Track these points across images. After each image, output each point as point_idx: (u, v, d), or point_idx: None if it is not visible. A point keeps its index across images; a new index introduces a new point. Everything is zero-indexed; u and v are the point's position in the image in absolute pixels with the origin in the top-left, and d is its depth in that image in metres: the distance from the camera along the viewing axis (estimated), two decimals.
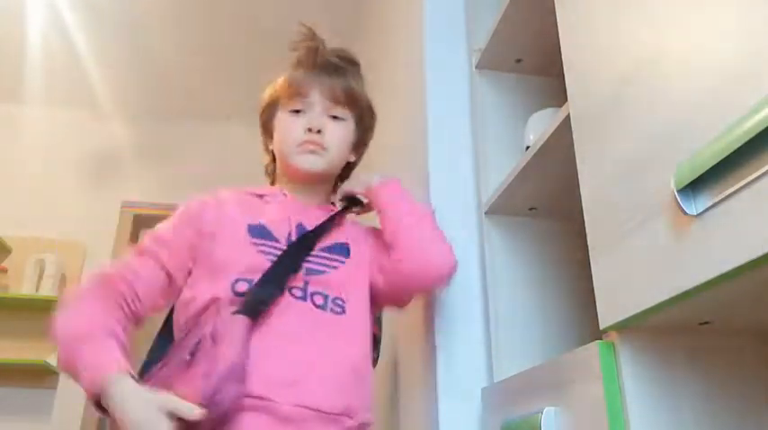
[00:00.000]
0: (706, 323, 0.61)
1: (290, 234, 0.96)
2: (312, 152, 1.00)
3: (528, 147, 1.02)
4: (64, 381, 2.84)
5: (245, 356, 0.80)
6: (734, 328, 0.63)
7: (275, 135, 1.06)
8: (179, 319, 0.92)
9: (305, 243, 0.96)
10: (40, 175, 3.18)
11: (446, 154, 1.23)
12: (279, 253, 0.93)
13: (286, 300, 0.89)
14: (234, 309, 0.84)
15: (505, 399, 0.88)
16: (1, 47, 2.86)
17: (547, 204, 1.10)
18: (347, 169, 1.12)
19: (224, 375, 0.76)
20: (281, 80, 1.06)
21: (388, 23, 1.83)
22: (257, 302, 0.86)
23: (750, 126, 0.43)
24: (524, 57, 1.21)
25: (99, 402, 0.78)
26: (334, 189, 1.11)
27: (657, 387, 0.60)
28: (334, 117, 1.03)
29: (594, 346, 0.64)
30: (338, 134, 1.03)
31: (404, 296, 1.03)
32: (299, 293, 0.91)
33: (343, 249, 1.00)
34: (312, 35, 1.07)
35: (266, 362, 0.83)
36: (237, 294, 0.88)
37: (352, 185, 1.09)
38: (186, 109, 3.35)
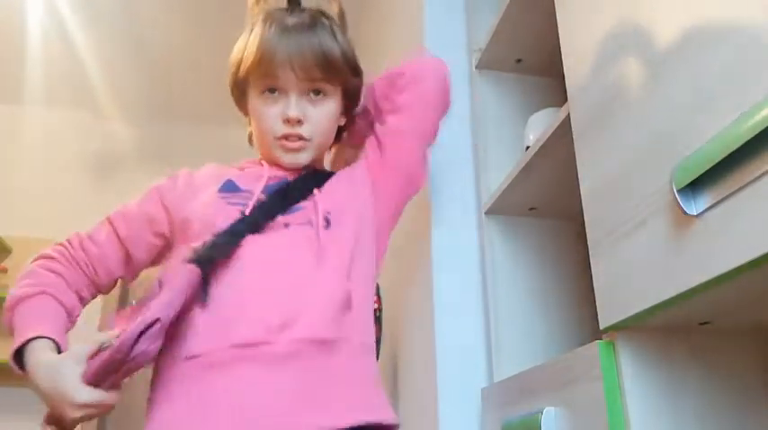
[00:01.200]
0: (706, 323, 0.61)
1: (267, 185, 0.89)
2: (295, 150, 0.90)
3: (528, 147, 1.02)
4: None
5: (171, 311, 0.72)
6: (734, 328, 0.63)
7: (251, 120, 0.95)
8: None
9: (284, 195, 0.88)
10: (40, 175, 3.19)
11: (446, 154, 1.23)
12: (250, 202, 0.86)
13: (266, 233, 0.83)
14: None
15: (505, 399, 0.88)
16: (1, 47, 2.86)
17: (547, 204, 1.10)
18: (339, 130, 1.02)
19: (137, 328, 0.69)
20: (247, 46, 0.91)
21: (388, 23, 1.83)
22: (211, 250, 0.78)
23: (750, 126, 0.43)
24: (524, 57, 1.21)
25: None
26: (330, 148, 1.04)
27: (657, 387, 0.60)
28: (315, 92, 0.90)
29: (594, 346, 0.64)
30: (321, 118, 0.91)
31: (421, 122, 0.99)
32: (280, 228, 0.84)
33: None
34: None
35: (255, 304, 0.77)
36: None
37: None
38: (187, 110, 3.35)
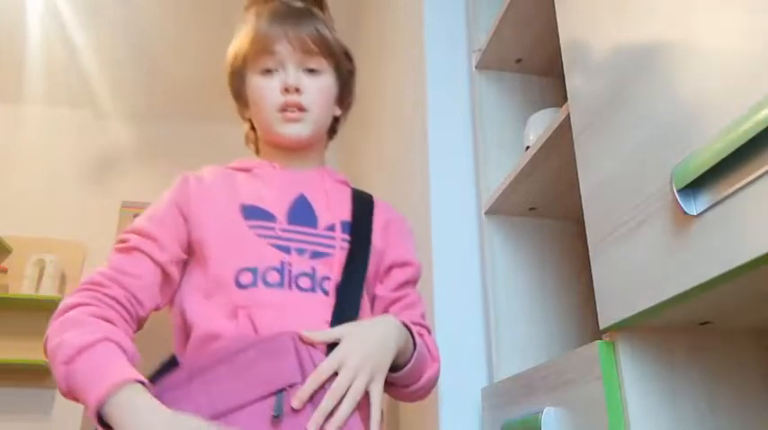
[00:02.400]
0: (706, 323, 0.61)
1: (289, 208, 0.89)
2: (294, 121, 0.92)
3: (528, 147, 1.02)
4: None
5: None
6: (734, 328, 0.63)
7: (251, 103, 0.96)
8: (183, 337, 0.82)
9: (361, 234, 0.90)
10: (40, 175, 3.19)
11: (446, 154, 1.23)
12: (280, 233, 0.85)
13: (296, 296, 0.81)
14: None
15: (505, 399, 0.88)
16: (1, 47, 2.86)
17: (547, 204, 1.10)
18: (335, 123, 1.04)
19: None
20: (242, 37, 0.95)
21: (388, 24, 1.83)
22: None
23: (750, 126, 0.43)
24: (524, 57, 1.21)
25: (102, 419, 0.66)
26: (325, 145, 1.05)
27: (657, 387, 0.60)
28: (310, 71, 0.94)
29: (594, 346, 0.64)
30: (318, 90, 0.93)
31: None
32: (308, 284, 0.83)
33: (347, 227, 0.91)
34: None
35: None
36: (241, 286, 0.80)
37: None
38: (186, 109, 3.35)
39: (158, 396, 0.69)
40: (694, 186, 0.50)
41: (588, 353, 0.65)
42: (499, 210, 1.11)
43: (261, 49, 0.92)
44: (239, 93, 0.98)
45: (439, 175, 1.21)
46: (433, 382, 0.90)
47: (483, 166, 1.16)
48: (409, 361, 0.83)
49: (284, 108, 0.91)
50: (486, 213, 1.13)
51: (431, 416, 1.05)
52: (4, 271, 2.92)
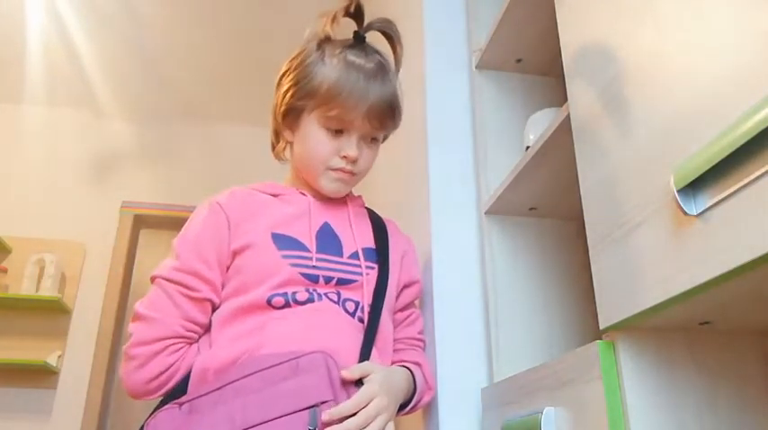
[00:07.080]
0: (706, 323, 0.61)
1: (315, 236, 0.93)
2: (341, 181, 0.96)
3: (528, 147, 1.02)
4: (64, 381, 2.84)
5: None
6: (734, 328, 0.63)
7: (299, 140, 0.97)
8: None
9: (384, 261, 0.96)
10: (40, 175, 3.19)
11: (446, 154, 1.23)
12: (311, 262, 0.89)
13: (326, 305, 0.88)
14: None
15: (505, 399, 0.88)
16: (1, 47, 2.86)
17: (547, 204, 1.10)
18: None
19: None
20: (325, 81, 0.91)
21: None
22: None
23: (750, 126, 0.43)
24: (524, 57, 1.21)
25: None
26: None
27: (657, 387, 0.60)
28: (372, 139, 0.98)
29: (594, 346, 0.64)
30: (370, 158, 0.98)
31: None
32: (335, 298, 0.90)
33: (372, 254, 0.97)
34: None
35: None
36: (275, 307, 0.86)
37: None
38: (186, 109, 3.35)
39: (190, 403, 0.78)
40: (694, 186, 0.50)
41: (588, 353, 0.65)
42: (499, 210, 1.11)
43: (343, 117, 0.91)
44: (290, 120, 0.98)
45: (439, 175, 1.21)
46: (424, 406, 1.00)
47: (483, 166, 1.16)
48: (409, 402, 0.93)
49: (336, 169, 0.94)
50: (486, 213, 1.13)
51: (431, 417, 1.05)
52: (4, 271, 2.92)
